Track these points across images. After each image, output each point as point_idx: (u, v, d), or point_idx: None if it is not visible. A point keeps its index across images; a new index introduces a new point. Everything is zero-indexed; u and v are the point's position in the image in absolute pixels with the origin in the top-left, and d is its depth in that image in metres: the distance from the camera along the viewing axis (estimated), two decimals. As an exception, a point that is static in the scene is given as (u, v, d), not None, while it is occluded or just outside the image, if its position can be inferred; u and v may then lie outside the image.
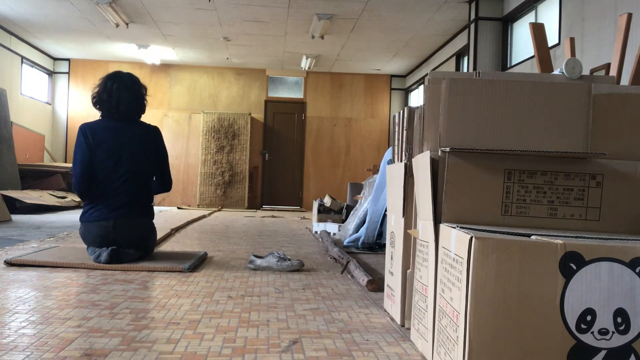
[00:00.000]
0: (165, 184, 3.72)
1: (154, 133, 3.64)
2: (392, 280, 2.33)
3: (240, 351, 1.81)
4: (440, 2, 7.54)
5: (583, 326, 1.38)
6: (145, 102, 3.66)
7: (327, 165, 12.45)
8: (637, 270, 1.39)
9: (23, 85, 10.70)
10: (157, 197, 11.37)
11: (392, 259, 2.36)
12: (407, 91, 12.47)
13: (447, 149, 1.76)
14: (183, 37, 9.88)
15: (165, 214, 8.55)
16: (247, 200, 11.73)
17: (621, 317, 1.38)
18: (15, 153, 9.35)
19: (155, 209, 3.72)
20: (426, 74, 7.12)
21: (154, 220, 3.66)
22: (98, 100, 3.53)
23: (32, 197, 8.32)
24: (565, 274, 1.38)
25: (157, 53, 11.01)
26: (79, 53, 11.44)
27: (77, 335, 1.92)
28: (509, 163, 1.78)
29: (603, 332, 1.38)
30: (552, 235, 1.48)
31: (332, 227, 5.83)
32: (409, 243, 2.13)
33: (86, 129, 3.46)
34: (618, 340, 1.39)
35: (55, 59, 11.95)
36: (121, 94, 3.48)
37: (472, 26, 7.55)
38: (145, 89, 3.67)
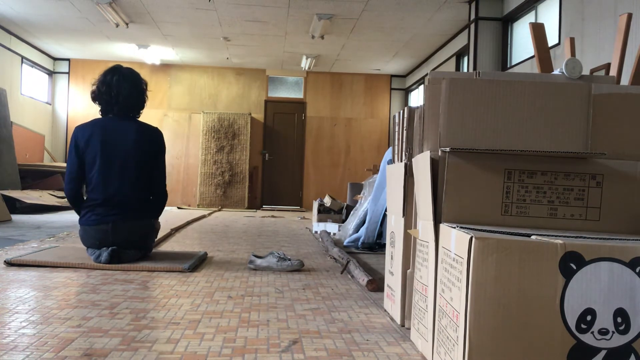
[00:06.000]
0: (158, 193, 3.58)
1: (154, 135, 3.54)
2: (392, 280, 2.33)
3: (240, 351, 1.81)
4: (440, 2, 7.54)
5: (583, 326, 1.38)
6: (146, 97, 3.60)
7: (327, 165, 12.45)
8: (637, 270, 1.39)
9: (23, 85, 10.69)
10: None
11: (392, 259, 2.36)
12: (407, 91, 12.47)
13: (447, 149, 1.76)
14: (183, 37, 9.87)
15: (165, 214, 8.54)
16: (247, 200, 11.73)
17: (621, 317, 1.38)
18: (15, 153, 9.34)
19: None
20: (426, 74, 7.13)
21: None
22: (97, 94, 3.47)
23: (32, 197, 8.32)
24: (565, 274, 1.38)
25: (157, 53, 11.00)
26: (79, 53, 11.44)
27: (77, 335, 1.92)
28: (509, 163, 1.78)
29: (603, 332, 1.38)
30: (552, 235, 1.48)
31: (332, 227, 5.83)
32: (409, 243, 2.13)
33: (77, 133, 3.43)
34: (618, 340, 1.39)
35: (55, 59, 11.95)
36: (120, 84, 3.44)
37: (472, 26, 7.55)
38: (146, 84, 3.62)
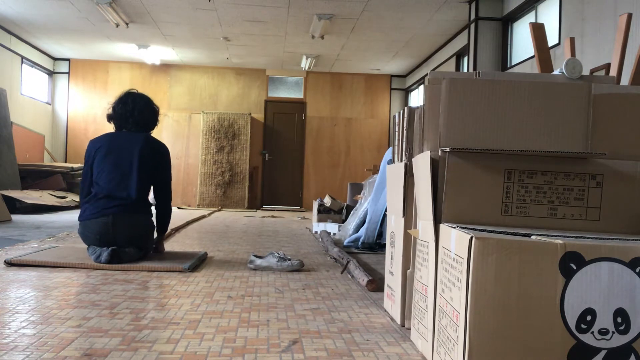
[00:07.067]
0: (163, 207, 3.76)
1: (159, 148, 3.69)
2: (392, 280, 2.33)
3: (240, 351, 1.81)
4: (440, 2, 7.54)
5: (583, 326, 1.38)
6: (158, 119, 3.80)
7: (327, 165, 12.44)
8: (637, 270, 1.39)
9: (23, 85, 10.69)
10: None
11: (392, 259, 2.36)
12: (407, 91, 12.47)
13: (447, 149, 1.76)
14: (183, 37, 9.87)
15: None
16: (247, 200, 11.72)
17: (621, 317, 1.38)
18: (15, 153, 9.34)
19: (154, 209, 3.76)
20: (426, 74, 7.13)
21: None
22: (113, 113, 3.68)
23: (32, 197, 8.31)
24: (565, 274, 1.38)
25: (157, 53, 11.00)
26: (79, 53, 11.44)
27: (77, 335, 1.92)
28: (509, 163, 1.78)
29: (603, 332, 1.38)
30: (552, 235, 1.48)
31: (332, 227, 5.82)
32: (409, 243, 2.13)
33: (89, 144, 3.64)
34: (618, 340, 1.39)
35: (55, 59, 11.95)
36: (136, 102, 3.66)
37: (472, 26, 7.55)
38: (158, 108, 3.83)
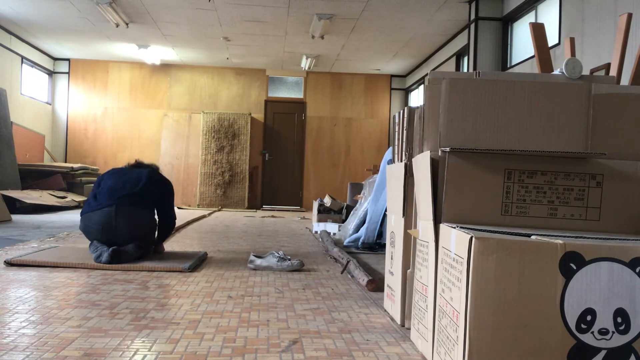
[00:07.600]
0: (166, 220, 3.91)
1: (166, 180, 3.90)
2: (392, 280, 2.33)
3: (240, 351, 1.81)
4: (440, 2, 7.54)
5: (583, 326, 1.38)
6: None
7: (327, 165, 12.44)
8: (637, 270, 1.39)
9: (23, 85, 10.68)
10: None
11: (392, 259, 2.36)
12: (407, 91, 12.47)
13: (447, 149, 1.76)
14: (183, 37, 9.87)
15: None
16: (247, 200, 11.72)
17: (621, 317, 1.38)
18: (15, 153, 9.34)
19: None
20: (426, 74, 7.13)
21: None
22: None
23: (32, 197, 8.31)
24: (565, 274, 1.38)
25: (157, 53, 11.00)
26: (79, 53, 11.44)
27: (77, 335, 1.92)
28: (509, 163, 1.78)
29: (603, 332, 1.38)
30: (552, 235, 1.48)
31: (332, 227, 5.82)
32: (409, 243, 2.13)
33: (101, 174, 3.92)
34: (618, 340, 1.39)
35: (55, 59, 11.94)
36: (143, 164, 3.91)
37: (472, 26, 7.55)
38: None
